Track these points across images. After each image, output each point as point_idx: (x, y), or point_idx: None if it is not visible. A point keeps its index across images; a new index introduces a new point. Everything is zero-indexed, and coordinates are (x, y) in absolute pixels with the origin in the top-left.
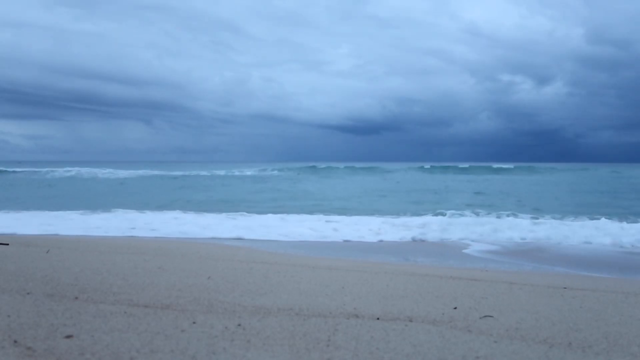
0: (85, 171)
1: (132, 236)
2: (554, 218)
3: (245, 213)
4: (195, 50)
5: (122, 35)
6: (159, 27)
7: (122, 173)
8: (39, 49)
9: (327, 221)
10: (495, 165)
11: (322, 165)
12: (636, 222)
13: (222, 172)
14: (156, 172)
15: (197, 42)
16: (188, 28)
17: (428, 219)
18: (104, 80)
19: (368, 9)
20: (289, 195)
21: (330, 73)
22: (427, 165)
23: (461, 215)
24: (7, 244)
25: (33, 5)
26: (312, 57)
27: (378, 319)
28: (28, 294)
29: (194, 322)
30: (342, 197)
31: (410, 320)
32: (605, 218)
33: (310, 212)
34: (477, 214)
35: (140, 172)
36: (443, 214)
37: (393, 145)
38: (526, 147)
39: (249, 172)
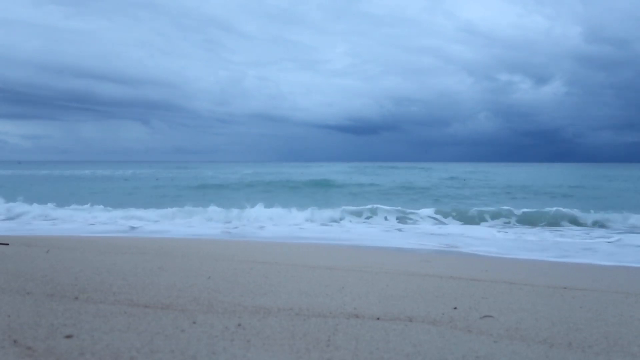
0: None
1: (132, 236)
2: None
3: None
4: (187, 49)
5: (112, 34)
6: (150, 26)
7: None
8: (31, 48)
9: None
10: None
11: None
12: None
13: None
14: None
15: (189, 41)
16: (179, 26)
17: None
18: (98, 79)
19: (361, 6)
20: None
21: (326, 72)
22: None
23: None
24: (7, 244)
25: (22, 3)
26: (307, 56)
27: (378, 319)
28: (28, 294)
29: (194, 322)
30: None
31: (410, 320)
32: None
33: None
34: None
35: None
36: None
37: (391, 145)
38: (525, 147)
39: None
